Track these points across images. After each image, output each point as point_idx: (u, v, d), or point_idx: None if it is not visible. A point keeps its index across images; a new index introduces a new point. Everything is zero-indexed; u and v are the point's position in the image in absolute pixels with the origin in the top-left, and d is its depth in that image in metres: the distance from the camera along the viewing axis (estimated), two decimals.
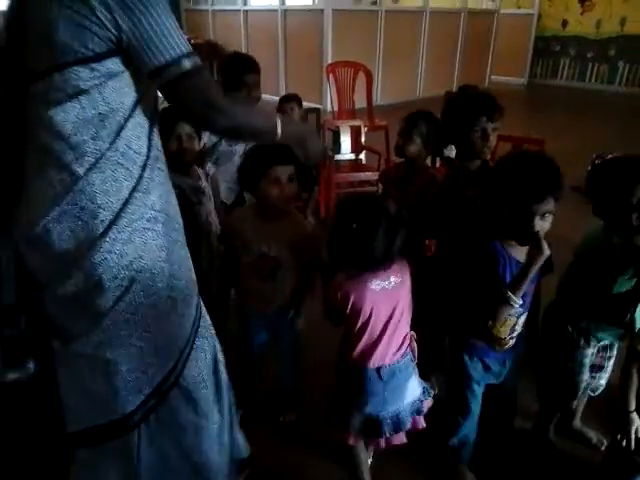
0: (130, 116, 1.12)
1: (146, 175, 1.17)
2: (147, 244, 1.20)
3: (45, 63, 1.05)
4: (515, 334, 1.63)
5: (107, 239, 1.13)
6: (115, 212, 1.13)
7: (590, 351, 1.77)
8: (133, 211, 1.16)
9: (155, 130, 1.21)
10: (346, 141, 4.31)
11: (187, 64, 1.10)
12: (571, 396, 1.88)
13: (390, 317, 1.52)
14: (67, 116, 1.06)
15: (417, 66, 9.30)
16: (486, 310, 1.54)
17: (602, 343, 1.79)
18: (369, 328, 1.51)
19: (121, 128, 1.11)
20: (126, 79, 1.10)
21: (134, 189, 1.15)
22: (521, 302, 1.49)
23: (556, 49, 11.24)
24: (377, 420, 1.58)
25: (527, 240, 1.46)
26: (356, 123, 4.43)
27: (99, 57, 1.04)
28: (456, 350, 1.75)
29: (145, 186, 1.17)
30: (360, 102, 5.72)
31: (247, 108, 1.43)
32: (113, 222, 1.13)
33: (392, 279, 1.50)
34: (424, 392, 1.67)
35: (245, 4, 9.22)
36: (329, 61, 7.28)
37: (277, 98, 3.52)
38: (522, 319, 1.61)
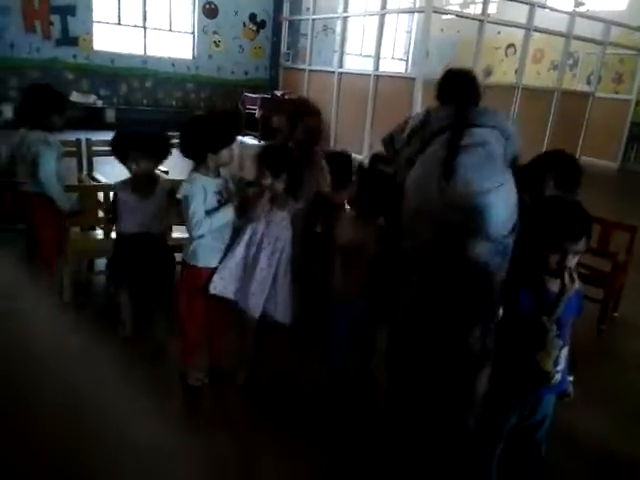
0: None
1: None
2: None
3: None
4: (559, 368, 1.67)
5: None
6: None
7: None
8: None
9: None
10: None
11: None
12: None
13: None
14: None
15: None
16: (531, 344, 1.64)
17: None
18: None
19: None
20: None
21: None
22: (557, 331, 1.60)
23: None
24: None
25: (559, 274, 1.61)
26: None
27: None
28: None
29: None
30: None
31: None
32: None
33: None
34: None
35: (340, 67, 9.62)
36: None
37: (359, 156, 3.56)
38: (564, 352, 1.67)
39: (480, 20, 8.30)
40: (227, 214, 2.34)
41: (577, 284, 1.61)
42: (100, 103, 9.68)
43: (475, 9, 12.37)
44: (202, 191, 2.29)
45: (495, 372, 1.79)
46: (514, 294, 1.67)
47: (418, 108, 7.80)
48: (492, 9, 11.44)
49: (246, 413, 2.32)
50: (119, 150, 2.68)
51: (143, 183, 2.72)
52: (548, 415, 1.76)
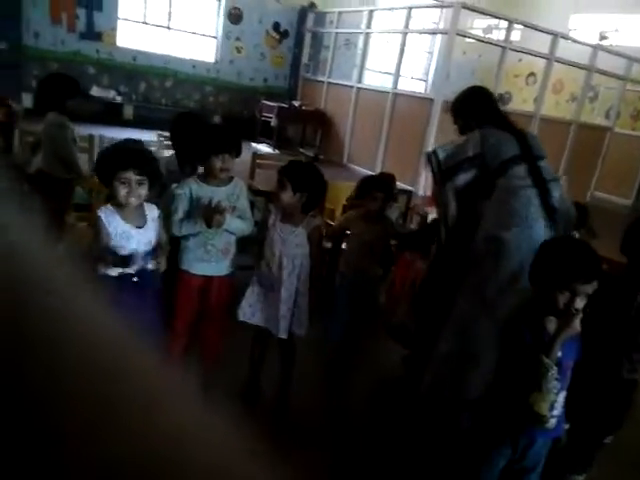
0: None
1: None
2: None
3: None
4: (555, 412, 1.59)
5: None
6: None
7: None
8: None
9: None
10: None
11: None
12: None
13: None
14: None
15: None
16: (527, 383, 1.57)
17: None
18: None
19: None
20: None
21: None
22: (556, 370, 1.53)
23: None
24: None
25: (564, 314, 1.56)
26: None
27: None
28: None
29: None
30: None
31: None
32: None
33: None
34: None
35: (359, 82, 9.64)
36: (430, 148, 7.35)
37: (371, 172, 3.55)
38: (561, 397, 1.60)
39: (503, 47, 8.31)
40: (193, 227, 2.26)
41: (578, 327, 1.55)
42: (119, 99, 9.73)
43: (499, 35, 12.39)
44: (186, 195, 2.26)
45: (487, 409, 1.75)
46: (517, 329, 1.62)
47: (433, 130, 7.80)
48: (515, 36, 11.46)
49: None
50: (105, 172, 2.03)
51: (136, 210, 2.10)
52: (540, 463, 1.70)
